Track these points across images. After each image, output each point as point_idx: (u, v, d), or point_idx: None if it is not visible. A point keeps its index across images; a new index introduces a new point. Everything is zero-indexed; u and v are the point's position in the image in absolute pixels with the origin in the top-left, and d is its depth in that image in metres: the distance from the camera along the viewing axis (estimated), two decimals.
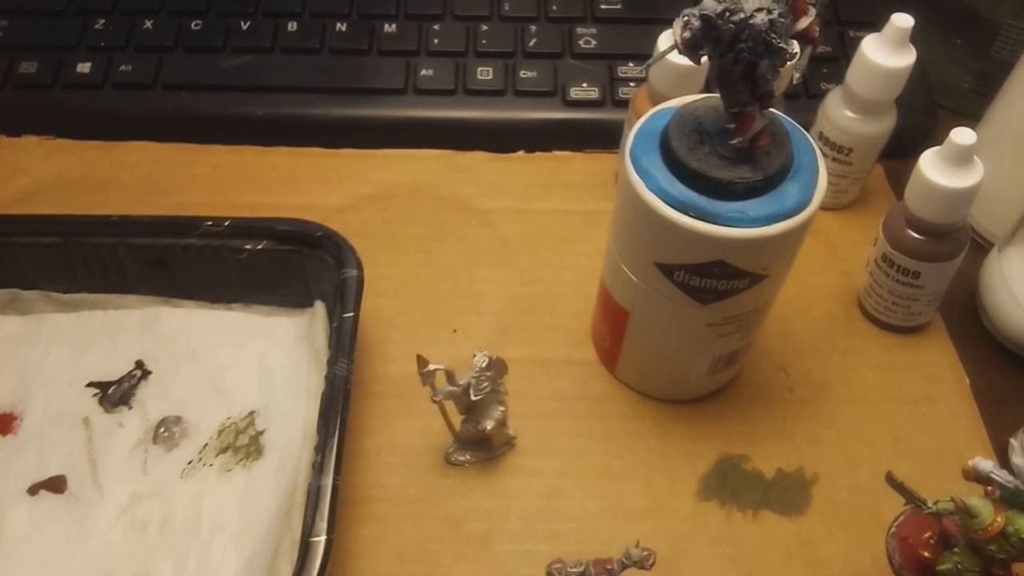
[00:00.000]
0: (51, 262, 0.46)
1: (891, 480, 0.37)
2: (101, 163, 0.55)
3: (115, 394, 0.45)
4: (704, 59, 0.33)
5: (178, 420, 0.44)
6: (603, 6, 0.60)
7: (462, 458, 0.44)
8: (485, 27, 0.59)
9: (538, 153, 0.57)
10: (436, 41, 0.58)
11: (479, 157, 0.56)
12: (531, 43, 0.58)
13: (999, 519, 0.34)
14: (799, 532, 0.42)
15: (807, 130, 0.38)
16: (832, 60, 0.58)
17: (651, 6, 0.60)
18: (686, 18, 0.32)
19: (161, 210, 0.51)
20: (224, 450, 0.43)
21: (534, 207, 0.54)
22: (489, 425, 0.42)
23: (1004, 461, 0.35)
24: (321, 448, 0.38)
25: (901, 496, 0.37)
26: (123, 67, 0.57)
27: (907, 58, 0.46)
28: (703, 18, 0.31)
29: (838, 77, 0.50)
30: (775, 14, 0.31)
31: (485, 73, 0.57)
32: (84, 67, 0.57)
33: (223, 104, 0.56)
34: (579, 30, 0.59)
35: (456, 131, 0.56)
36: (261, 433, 0.43)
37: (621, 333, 0.44)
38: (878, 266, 0.47)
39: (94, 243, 0.46)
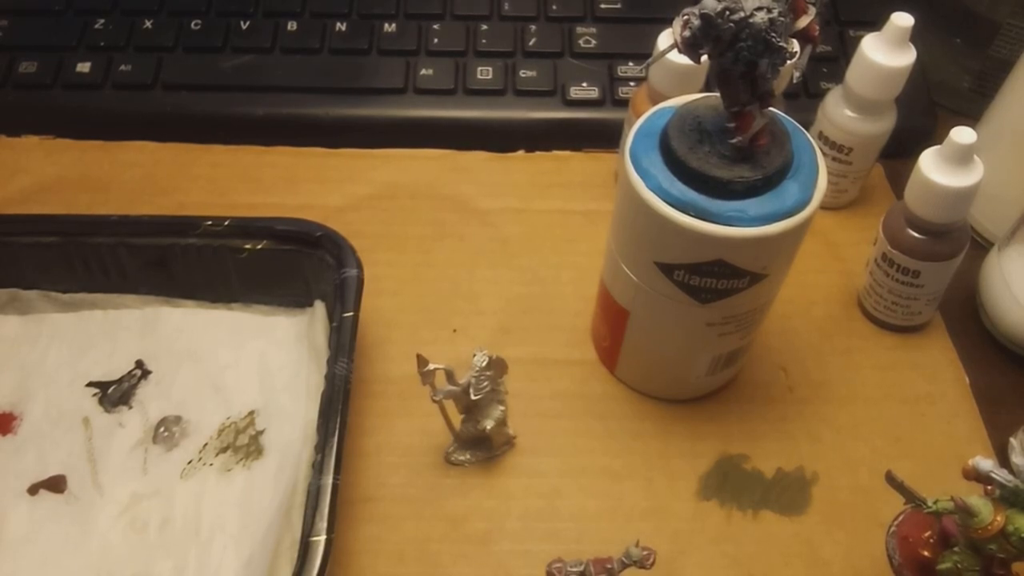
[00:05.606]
0: (51, 262, 0.46)
1: (891, 479, 0.37)
2: (101, 163, 0.55)
3: (115, 394, 0.45)
4: (704, 58, 0.33)
5: (178, 420, 0.44)
6: (603, 5, 0.60)
7: (462, 458, 0.44)
8: (485, 27, 0.59)
9: (538, 153, 0.57)
10: (436, 41, 0.58)
11: (479, 157, 0.56)
12: (531, 43, 0.58)
13: (999, 518, 0.34)
14: (799, 532, 0.42)
15: (807, 129, 0.38)
16: (832, 59, 0.58)
17: (651, 5, 0.60)
18: (686, 17, 0.32)
19: (161, 210, 0.51)
20: (224, 450, 0.43)
21: (534, 207, 0.54)
22: (489, 425, 0.42)
23: (1004, 460, 0.35)
24: (321, 448, 0.38)
25: (901, 495, 0.37)
26: (123, 67, 0.57)
27: (907, 58, 0.46)
28: (703, 17, 0.31)
29: (838, 77, 0.50)
30: (775, 13, 0.31)
31: (485, 73, 0.57)
32: (84, 67, 0.57)
33: (223, 104, 0.56)
34: (579, 29, 0.59)
35: (456, 131, 0.56)
36: (261, 433, 0.43)
37: (621, 333, 0.44)
38: (878, 266, 0.47)
39: (94, 243, 0.46)
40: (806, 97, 0.56)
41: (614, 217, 0.41)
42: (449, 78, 0.57)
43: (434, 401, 0.40)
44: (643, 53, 0.56)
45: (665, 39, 0.46)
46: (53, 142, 0.56)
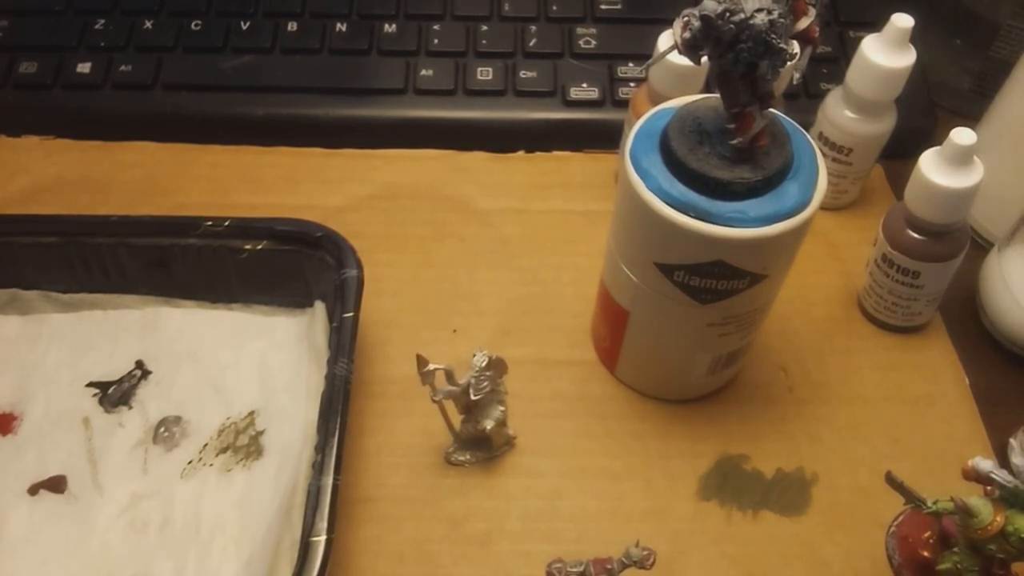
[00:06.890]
0: (51, 262, 0.46)
1: (891, 480, 0.37)
2: (101, 163, 0.55)
3: (115, 394, 0.45)
4: (704, 59, 0.33)
5: (178, 420, 0.44)
6: (603, 6, 0.60)
7: (462, 458, 0.44)
8: (485, 27, 0.59)
9: (538, 153, 0.57)
10: (436, 41, 0.58)
11: (479, 157, 0.57)
12: (531, 43, 0.58)
13: (999, 519, 0.34)
14: (799, 532, 0.42)
15: (807, 130, 0.38)
16: (832, 60, 0.58)
17: (651, 6, 0.60)
18: (686, 18, 0.32)
19: (161, 210, 0.51)
20: (224, 450, 0.43)
21: (534, 207, 0.54)
22: (489, 425, 0.42)
23: (1003, 461, 0.35)
24: (321, 448, 0.38)
25: (901, 496, 0.37)
26: (123, 67, 0.57)
27: (907, 58, 0.46)
28: (703, 18, 0.31)
29: (838, 77, 0.50)
30: (775, 14, 0.31)
31: (485, 73, 0.57)
32: (84, 67, 0.57)
33: (223, 104, 0.56)
34: (579, 30, 0.59)
35: (456, 131, 0.56)
36: (261, 433, 0.43)
37: (621, 333, 0.44)
38: (878, 266, 0.47)
39: (94, 243, 0.46)
40: (806, 98, 0.56)
41: (614, 218, 0.41)
42: (449, 78, 0.57)
43: (434, 401, 0.40)
44: (643, 54, 0.56)
45: (665, 40, 0.46)
46: (53, 142, 0.56)
